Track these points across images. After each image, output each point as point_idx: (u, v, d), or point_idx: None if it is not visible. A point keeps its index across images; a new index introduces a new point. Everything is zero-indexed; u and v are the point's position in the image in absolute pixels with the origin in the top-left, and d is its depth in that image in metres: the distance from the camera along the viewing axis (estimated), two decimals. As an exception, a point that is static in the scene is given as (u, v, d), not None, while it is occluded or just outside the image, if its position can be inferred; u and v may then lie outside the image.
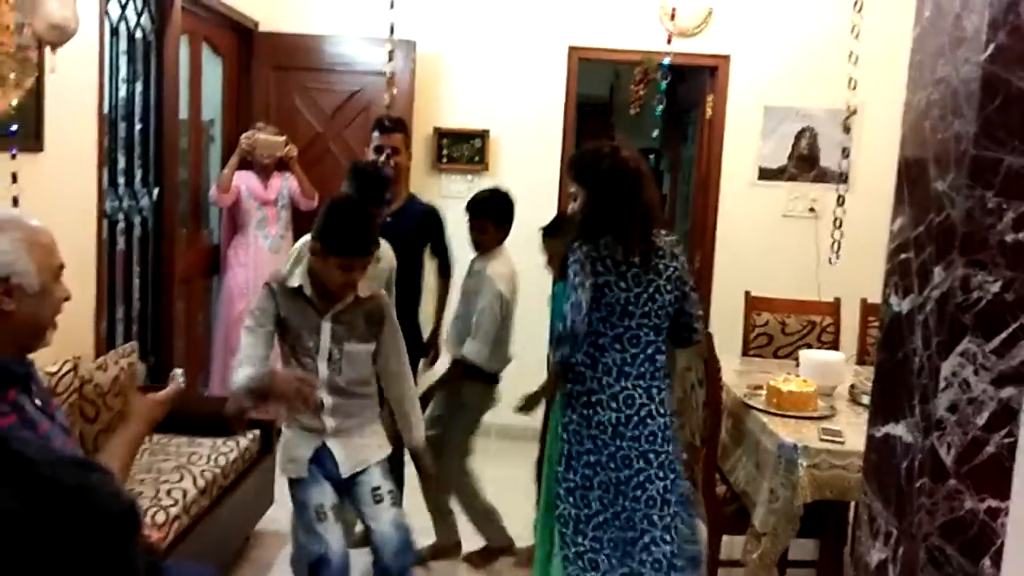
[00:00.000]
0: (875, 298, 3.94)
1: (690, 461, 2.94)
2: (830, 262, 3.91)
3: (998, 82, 1.33)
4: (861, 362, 3.51)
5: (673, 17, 3.86)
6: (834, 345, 3.59)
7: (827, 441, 2.32)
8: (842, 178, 4.12)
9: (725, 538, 2.67)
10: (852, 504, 2.60)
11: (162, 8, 3.52)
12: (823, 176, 4.45)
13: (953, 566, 1.46)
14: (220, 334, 4.22)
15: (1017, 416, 1.41)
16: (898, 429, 1.58)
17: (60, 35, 2.16)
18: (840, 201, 3.82)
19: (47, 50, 2.38)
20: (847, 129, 3.89)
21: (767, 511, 2.30)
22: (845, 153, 3.88)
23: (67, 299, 1.55)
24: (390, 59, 3.47)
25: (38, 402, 1.50)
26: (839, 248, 3.80)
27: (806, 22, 4.35)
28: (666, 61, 3.53)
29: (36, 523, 0.63)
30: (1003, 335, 1.39)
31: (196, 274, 4.18)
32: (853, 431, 2.41)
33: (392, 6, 3.30)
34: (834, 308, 3.65)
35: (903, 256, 1.60)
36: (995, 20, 1.31)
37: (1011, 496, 1.42)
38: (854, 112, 3.96)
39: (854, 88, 3.77)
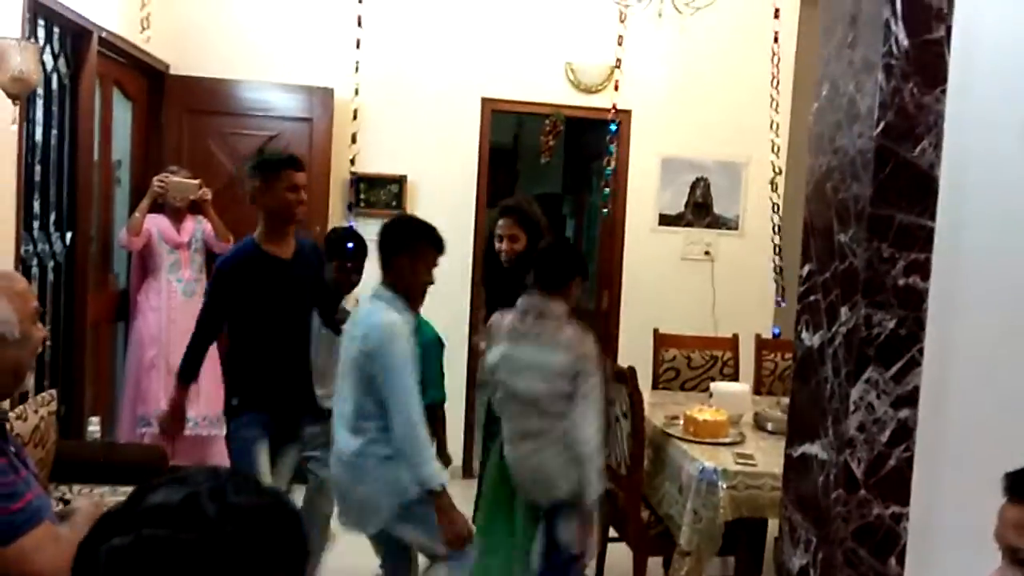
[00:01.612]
0: (765, 333, 4.32)
1: (615, 489, 3.12)
2: (778, 304, 4.32)
3: (888, 153, 1.60)
4: (757, 392, 3.82)
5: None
6: (734, 377, 3.89)
7: (742, 464, 2.55)
8: (776, 229, 4.58)
9: (651, 560, 2.86)
10: (762, 522, 2.85)
11: (78, 52, 3.48)
12: (716, 222, 4.83)
13: (865, 566, 1.68)
14: (130, 381, 4.09)
15: (913, 433, 1.66)
16: (814, 448, 1.81)
17: (22, 87, 2.15)
18: (777, 251, 4.31)
19: (9, 102, 2.34)
20: (774, 187, 4.28)
21: (691, 531, 2.50)
22: (776, 208, 4.34)
23: (45, 339, 1.58)
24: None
25: (12, 449, 1.50)
26: (784, 292, 4.20)
27: (699, 83, 4.76)
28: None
29: (259, 517, 0.71)
30: (899, 364, 1.64)
31: (104, 319, 4.06)
32: (763, 454, 2.67)
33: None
34: (733, 343, 3.97)
35: (812, 298, 1.85)
36: (884, 102, 1.58)
37: (911, 503, 1.67)
38: (780, 172, 4.42)
39: (776, 152, 4.25)
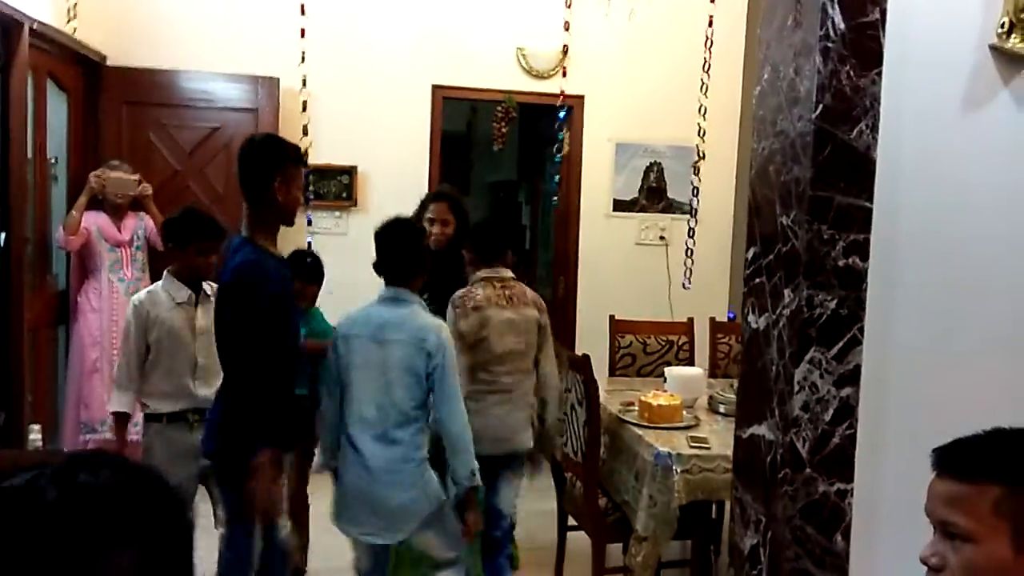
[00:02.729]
0: (720, 316, 4.37)
1: (572, 477, 3.12)
2: (684, 287, 4.31)
3: (827, 135, 1.60)
4: (713, 375, 3.86)
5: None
6: (690, 361, 3.92)
7: (696, 447, 2.57)
8: (692, 212, 4.58)
9: (609, 546, 2.87)
10: (718, 504, 2.87)
11: (9, 43, 3.34)
12: (670, 207, 4.85)
13: (812, 542, 1.71)
14: (72, 385, 3.97)
15: (855, 411, 1.69)
16: (761, 429, 1.82)
17: None
18: (691, 233, 4.24)
19: None
20: (696, 171, 4.32)
21: (647, 516, 2.51)
22: (695, 192, 4.32)
23: None
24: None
25: None
26: (691, 274, 4.22)
27: (651, 67, 4.76)
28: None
29: (141, 491, 0.75)
30: (840, 344, 1.66)
31: (43, 323, 3.92)
32: (716, 437, 2.69)
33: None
34: (688, 327, 4.00)
35: (757, 280, 1.86)
36: (822, 85, 1.59)
37: (855, 479, 1.69)
38: (703, 157, 4.43)
39: (703, 136, 4.23)
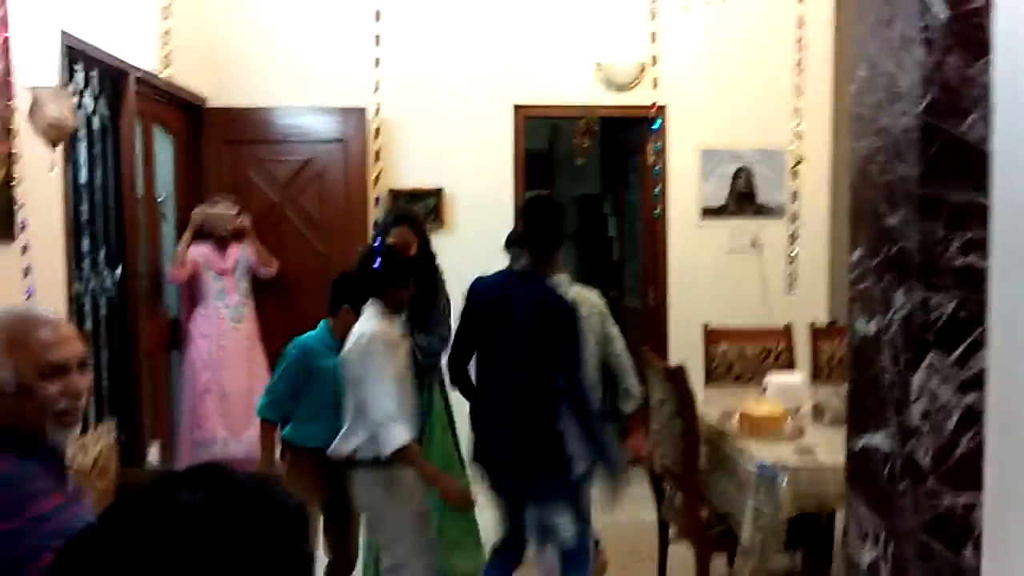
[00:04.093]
0: (819, 320, 4.22)
1: (672, 489, 3.07)
2: (788, 293, 4.22)
3: (934, 130, 1.53)
4: (816, 380, 3.72)
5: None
6: (789, 367, 3.80)
7: (802, 456, 2.48)
8: (792, 218, 4.47)
9: (714, 558, 2.80)
10: (828, 515, 2.77)
11: (117, 93, 3.57)
12: (761, 212, 4.73)
13: (939, 558, 1.61)
14: (186, 406, 4.18)
15: (981, 417, 1.59)
16: (876, 439, 1.74)
17: (58, 134, 2.21)
18: (792, 237, 4.14)
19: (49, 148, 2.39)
20: (795, 175, 4.23)
21: (753, 528, 2.44)
22: (794, 196, 4.23)
23: (73, 395, 1.50)
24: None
25: (71, 488, 1.53)
26: (794, 279, 4.13)
27: (735, 72, 4.68)
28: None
29: (236, 516, 0.75)
30: (961, 348, 1.57)
31: (157, 349, 4.15)
32: (824, 445, 2.59)
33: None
34: (787, 333, 3.88)
35: (864, 285, 1.79)
36: (926, 78, 1.52)
37: (984, 490, 1.59)
38: (800, 161, 4.33)
39: (801, 139, 4.15)
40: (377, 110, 4.45)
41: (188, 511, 0.74)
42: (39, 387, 1.47)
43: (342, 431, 2.62)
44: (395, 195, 4.60)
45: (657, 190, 4.61)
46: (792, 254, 4.25)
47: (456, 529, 3.14)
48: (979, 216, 1.56)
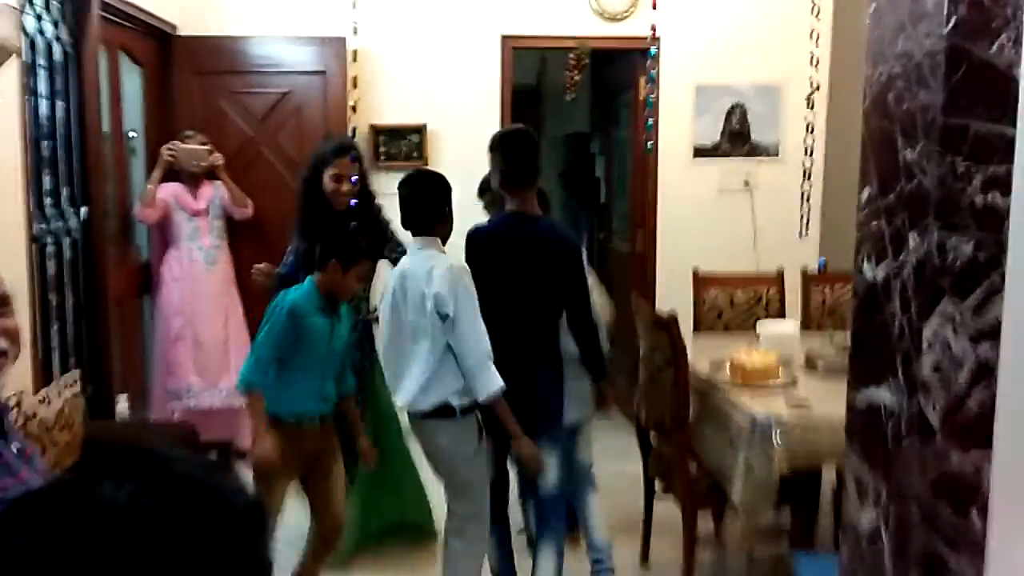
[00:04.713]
0: (811, 265, 4.10)
1: (660, 441, 2.98)
2: (800, 236, 4.09)
3: (961, 53, 1.37)
4: (807, 328, 3.62)
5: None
6: (781, 314, 3.70)
7: (796, 410, 2.38)
8: (808, 151, 4.29)
9: (701, 521, 2.73)
10: (823, 470, 2.68)
11: (80, 19, 3.33)
12: (755, 150, 4.56)
13: (944, 521, 1.52)
14: (158, 354, 4.05)
15: (994, 371, 1.48)
16: (880, 393, 1.63)
17: (1, 54, 2.01)
18: (808, 175, 3.98)
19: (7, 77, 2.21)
20: (810, 103, 4.03)
21: (744, 485, 2.35)
22: (810, 128, 4.05)
23: (12, 328, 1.45)
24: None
25: (16, 446, 1.40)
26: (808, 222, 3.99)
27: (729, 2, 4.44)
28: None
29: (171, 518, 0.61)
30: (977, 294, 1.45)
31: (127, 294, 4.00)
32: (818, 398, 2.49)
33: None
34: (778, 279, 3.76)
35: (873, 225, 1.65)
36: (955, -7, 1.36)
37: (993, 448, 1.49)
38: (817, 88, 4.12)
39: (816, 64, 3.93)
40: (355, 30, 4.21)
41: (110, 512, 0.60)
42: None
43: (415, 381, 2.41)
44: (376, 131, 4.40)
45: (651, 122, 4.41)
46: (806, 193, 4.07)
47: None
48: (1004, 148, 1.41)
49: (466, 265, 2.43)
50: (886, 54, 1.56)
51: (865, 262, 1.68)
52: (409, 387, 2.43)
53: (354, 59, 4.17)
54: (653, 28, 4.23)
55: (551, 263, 2.51)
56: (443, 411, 2.42)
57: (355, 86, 4.21)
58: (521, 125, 2.78)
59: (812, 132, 4.28)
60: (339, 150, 2.94)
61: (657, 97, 4.51)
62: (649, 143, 4.48)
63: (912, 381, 1.51)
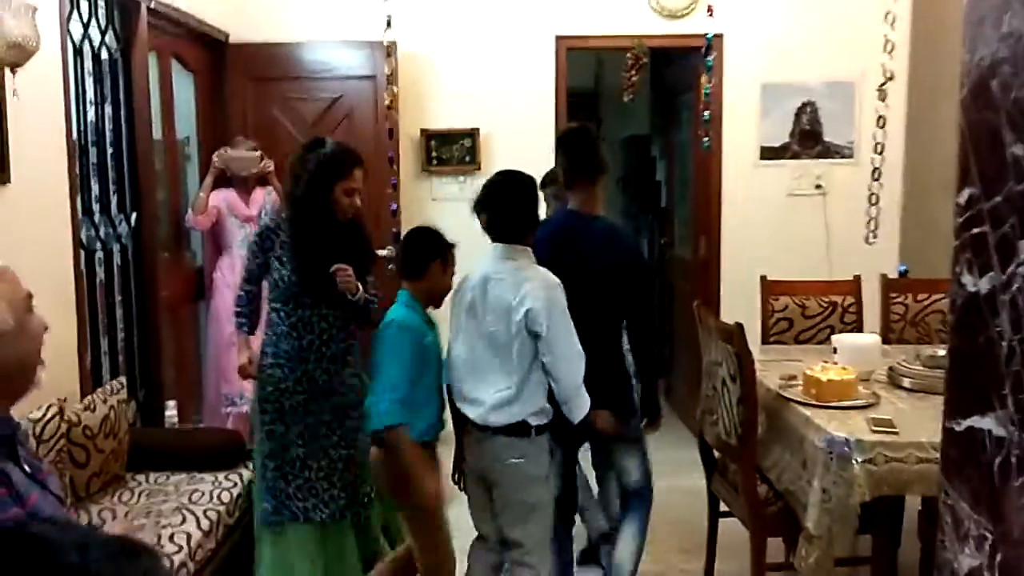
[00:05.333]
0: (891, 273, 3.83)
1: (725, 460, 2.78)
2: (867, 241, 3.83)
3: (1089, 26, 1.17)
4: (886, 341, 3.36)
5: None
6: (858, 325, 3.44)
7: (880, 432, 2.16)
8: (878, 149, 4.03)
9: (770, 540, 2.52)
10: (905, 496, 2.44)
11: (127, 24, 3.32)
12: (827, 151, 4.30)
13: (1065, 573, 1.30)
14: (211, 360, 4.03)
15: None
16: (985, 422, 1.42)
17: (20, 54, 1.97)
18: (876, 175, 3.74)
19: (7, 72, 2.19)
20: (884, 96, 3.77)
21: (820, 512, 2.14)
22: (881, 123, 3.79)
23: (46, 329, 1.38)
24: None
25: (27, 468, 1.31)
26: (876, 226, 3.74)
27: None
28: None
29: None
30: (1106, 311, 1.24)
31: (182, 300, 3.99)
32: (903, 418, 2.26)
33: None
34: (855, 287, 3.50)
35: (976, 231, 1.44)
36: (1081, -44, 1.16)
37: None
38: (891, 78, 3.84)
39: (891, 51, 3.68)
40: (404, 34, 4.09)
41: None
42: (30, 320, 1.31)
43: (491, 395, 2.26)
44: (428, 136, 4.30)
45: (708, 114, 4.19)
46: (875, 197, 3.80)
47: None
48: None
49: (558, 280, 2.28)
50: (988, 36, 1.36)
51: (965, 272, 1.47)
52: (484, 400, 2.29)
53: (390, 53, 4.05)
54: (710, 9, 4.02)
55: (609, 265, 2.46)
56: (518, 429, 2.27)
57: (388, 81, 4.06)
58: (583, 123, 2.78)
59: (884, 127, 3.99)
60: (355, 162, 2.63)
61: (719, 97, 4.29)
62: (706, 139, 4.26)
63: (1023, 410, 1.30)
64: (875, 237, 3.98)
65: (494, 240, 2.34)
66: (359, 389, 2.66)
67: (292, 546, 2.59)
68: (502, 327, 2.25)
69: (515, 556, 2.36)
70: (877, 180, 4.08)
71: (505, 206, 2.31)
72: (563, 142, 2.63)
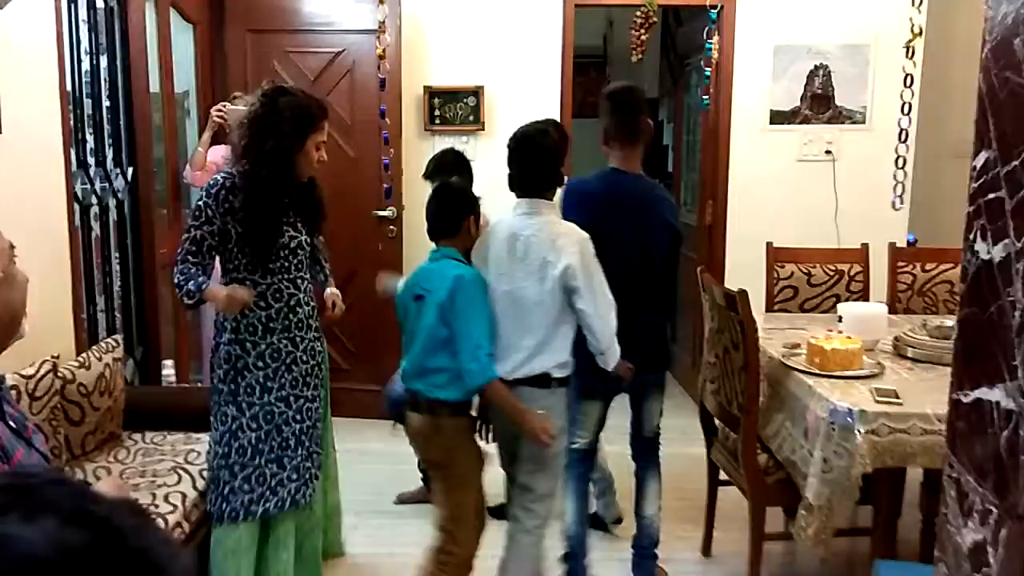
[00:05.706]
0: (899, 241, 3.76)
1: (726, 429, 2.75)
2: (894, 207, 3.75)
3: (1125, -23, 1.10)
4: (892, 311, 3.31)
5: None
6: (864, 294, 3.39)
7: (883, 403, 2.12)
8: (905, 109, 3.93)
9: (769, 510, 2.50)
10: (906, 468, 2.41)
11: (123, -30, 3.23)
12: (839, 116, 4.20)
13: (1070, 550, 1.27)
14: (209, 319, 3.99)
15: None
16: (994, 394, 1.37)
17: None
18: (903, 137, 3.65)
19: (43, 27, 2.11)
20: (911, 52, 3.64)
21: (821, 482, 2.11)
22: (908, 81, 3.68)
23: (27, 280, 1.36)
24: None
25: (12, 424, 1.28)
26: (903, 192, 3.66)
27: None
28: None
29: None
30: None
31: (180, 257, 3.94)
32: (908, 389, 2.22)
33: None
34: (862, 255, 3.44)
35: (991, 196, 1.38)
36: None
37: None
38: (919, 34, 3.72)
39: (919, 5, 3.56)
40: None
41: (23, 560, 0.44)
42: (14, 270, 1.30)
43: (523, 351, 2.23)
44: (431, 93, 4.22)
45: (708, 72, 4.09)
46: (901, 160, 3.68)
47: None
48: None
49: (585, 233, 2.27)
50: (1019, -15, 1.28)
51: (979, 239, 1.42)
52: (517, 356, 2.26)
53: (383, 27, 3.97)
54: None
55: (650, 221, 2.51)
56: (540, 380, 2.26)
57: (384, 32, 3.96)
58: (629, 83, 2.79)
59: (912, 85, 3.88)
60: (326, 113, 2.44)
61: (730, 59, 4.18)
62: (705, 98, 4.17)
63: (1037, 383, 1.25)
64: (902, 203, 3.91)
65: (520, 195, 2.32)
66: (319, 354, 2.52)
67: (228, 544, 2.35)
68: (532, 282, 2.23)
69: (523, 501, 2.35)
70: (904, 142, 3.98)
71: (531, 159, 2.29)
72: (612, 98, 2.62)
